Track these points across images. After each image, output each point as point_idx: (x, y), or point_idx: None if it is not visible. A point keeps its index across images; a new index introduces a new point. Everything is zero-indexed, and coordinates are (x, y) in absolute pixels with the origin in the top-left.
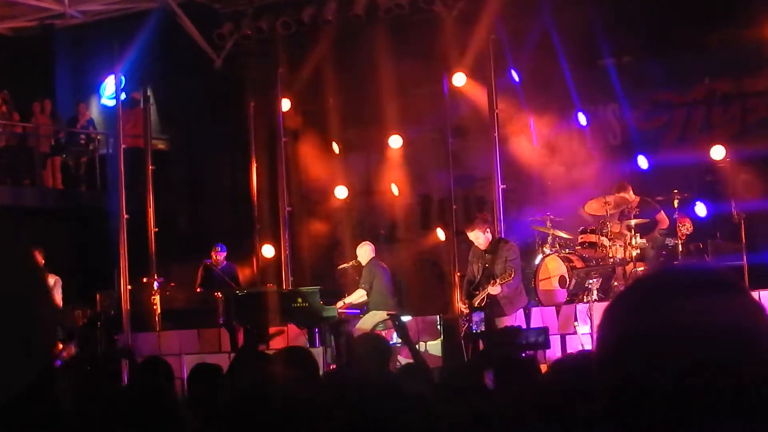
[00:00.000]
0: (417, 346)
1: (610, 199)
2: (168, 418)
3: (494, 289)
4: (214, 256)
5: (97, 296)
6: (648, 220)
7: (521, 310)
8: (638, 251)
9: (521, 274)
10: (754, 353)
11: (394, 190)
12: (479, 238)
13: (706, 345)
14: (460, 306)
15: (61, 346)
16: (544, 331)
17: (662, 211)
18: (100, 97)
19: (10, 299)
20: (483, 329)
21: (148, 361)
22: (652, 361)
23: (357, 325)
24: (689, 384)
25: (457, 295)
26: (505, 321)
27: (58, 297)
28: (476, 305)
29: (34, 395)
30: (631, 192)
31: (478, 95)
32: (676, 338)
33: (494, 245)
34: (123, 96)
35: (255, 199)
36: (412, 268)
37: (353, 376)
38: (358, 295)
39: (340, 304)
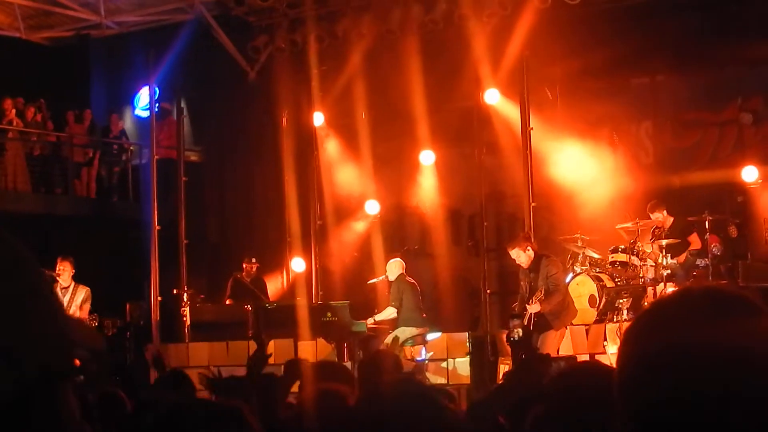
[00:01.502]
0: (446, 363)
1: (644, 221)
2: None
3: (533, 308)
4: (246, 268)
5: (127, 306)
6: (679, 240)
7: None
8: (669, 271)
9: (566, 287)
10: None
11: (425, 205)
12: (520, 256)
13: (733, 370)
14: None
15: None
16: (573, 359)
17: (695, 233)
18: (134, 107)
19: None
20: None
21: (172, 374)
22: (675, 387)
23: (385, 341)
24: (715, 410)
25: (488, 312)
26: (550, 335)
27: (85, 310)
28: (525, 323)
29: (19, 410)
30: (665, 212)
31: (511, 112)
32: (700, 363)
33: (536, 262)
34: (156, 107)
35: (286, 212)
36: (442, 284)
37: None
38: (389, 313)
39: (370, 321)
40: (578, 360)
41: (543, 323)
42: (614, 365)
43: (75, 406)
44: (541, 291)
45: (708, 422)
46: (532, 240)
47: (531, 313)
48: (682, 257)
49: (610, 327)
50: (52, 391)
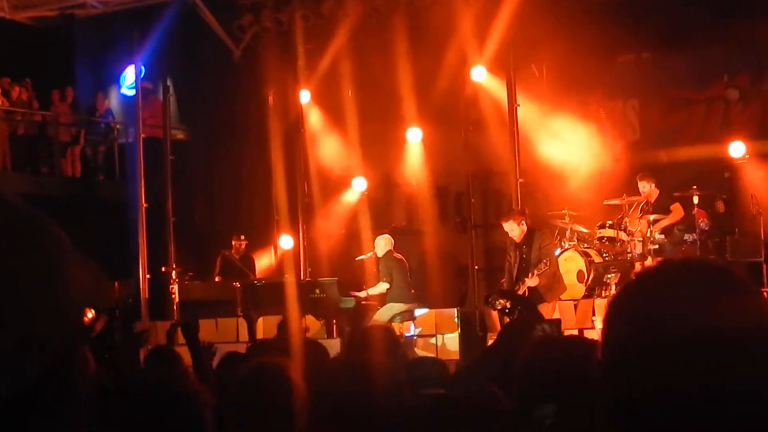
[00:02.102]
0: (434, 339)
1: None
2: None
3: (533, 281)
4: (235, 245)
5: (116, 285)
6: (667, 216)
7: None
8: (657, 246)
9: (556, 259)
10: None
11: (412, 182)
12: (514, 230)
13: (715, 347)
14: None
15: (90, 315)
16: (557, 323)
17: (677, 203)
18: (120, 87)
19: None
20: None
21: (157, 350)
22: (656, 365)
23: (374, 317)
24: (697, 388)
25: (475, 288)
26: (542, 308)
27: None
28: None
29: (46, 382)
30: (653, 184)
31: (498, 89)
32: (681, 340)
33: (528, 236)
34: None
35: (273, 189)
36: (429, 261)
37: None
38: (381, 288)
39: (363, 294)
40: (561, 325)
41: (535, 296)
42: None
43: (89, 367)
44: (541, 264)
45: (691, 401)
46: (526, 214)
47: (526, 288)
48: (667, 221)
49: (599, 302)
50: (68, 360)
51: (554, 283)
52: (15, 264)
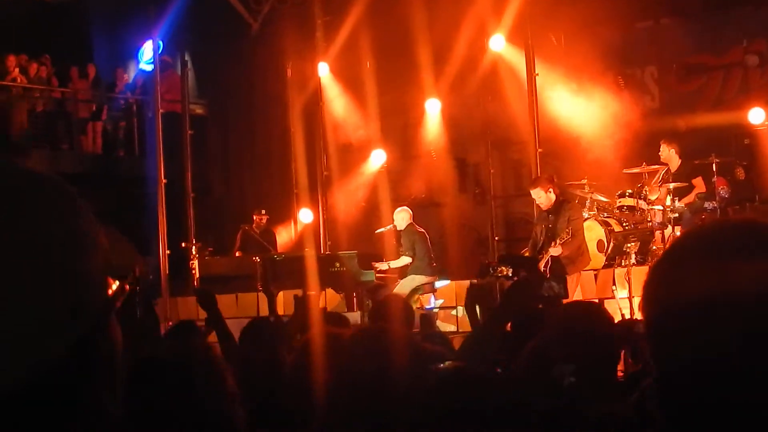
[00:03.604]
0: (455, 311)
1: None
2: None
3: (555, 250)
4: (256, 220)
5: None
6: (686, 184)
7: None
8: (677, 215)
9: (583, 233)
10: None
11: (431, 154)
12: (541, 197)
13: None
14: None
15: (115, 286)
16: (564, 281)
17: (701, 177)
18: (138, 62)
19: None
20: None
21: (179, 324)
22: (709, 332)
23: (395, 290)
24: (752, 355)
25: (496, 259)
26: (567, 281)
27: None
28: (541, 268)
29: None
30: (674, 150)
31: (516, 58)
32: (735, 306)
33: (557, 206)
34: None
35: (292, 163)
36: (449, 232)
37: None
38: (403, 261)
39: (384, 266)
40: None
41: (558, 268)
42: (623, 310)
43: (118, 336)
44: (565, 234)
45: (744, 368)
46: (555, 182)
47: (548, 258)
48: (690, 198)
49: (619, 271)
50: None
51: (578, 256)
52: (49, 231)
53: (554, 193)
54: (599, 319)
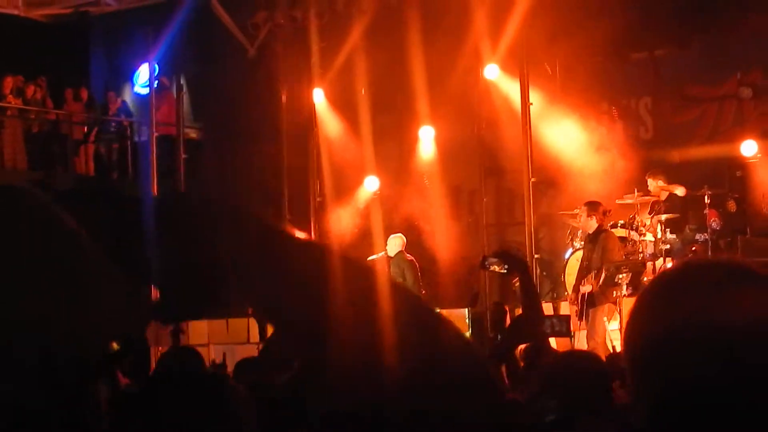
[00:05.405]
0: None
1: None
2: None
3: (585, 288)
4: None
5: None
6: (678, 215)
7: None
8: (668, 246)
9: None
10: None
11: (425, 181)
12: (581, 219)
13: (750, 343)
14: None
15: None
16: (566, 318)
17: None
18: (133, 84)
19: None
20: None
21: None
22: (692, 363)
23: None
24: (734, 385)
25: (487, 288)
26: (599, 311)
27: None
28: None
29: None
30: (661, 181)
31: (511, 87)
32: (716, 337)
33: (595, 234)
34: (156, 83)
35: (285, 188)
36: (441, 260)
37: None
38: None
39: None
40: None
41: (591, 300)
42: (614, 341)
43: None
44: (590, 275)
45: (728, 397)
46: (601, 212)
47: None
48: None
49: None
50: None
51: (608, 287)
52: (46, 278)
53: (596, 221)
54: (590, 375)
